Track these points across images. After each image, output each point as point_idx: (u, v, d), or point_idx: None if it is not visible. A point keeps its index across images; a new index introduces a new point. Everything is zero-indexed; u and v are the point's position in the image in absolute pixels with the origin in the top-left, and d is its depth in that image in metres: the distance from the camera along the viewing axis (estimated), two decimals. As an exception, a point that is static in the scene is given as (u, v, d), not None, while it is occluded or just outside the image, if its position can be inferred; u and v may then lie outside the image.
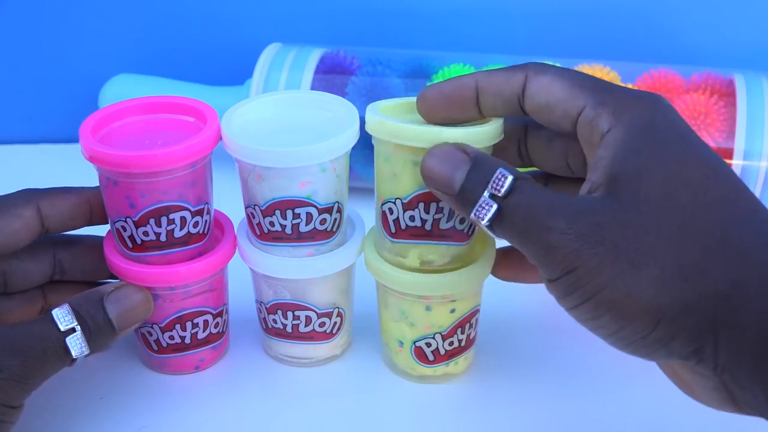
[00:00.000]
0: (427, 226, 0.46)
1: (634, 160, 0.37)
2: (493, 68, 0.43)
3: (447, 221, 0.46)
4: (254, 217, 0.49)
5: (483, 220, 0.39)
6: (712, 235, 0.36)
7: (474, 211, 0.40)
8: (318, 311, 0.51)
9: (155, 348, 0.51)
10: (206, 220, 0.49)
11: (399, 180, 0.45)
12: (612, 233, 0.36)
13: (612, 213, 0.37)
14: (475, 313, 0.51)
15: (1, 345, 0.42)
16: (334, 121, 0.49)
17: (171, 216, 0.47)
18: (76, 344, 0.43)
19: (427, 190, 0.44)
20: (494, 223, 0.39)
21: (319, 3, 0.78)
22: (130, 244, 0.47)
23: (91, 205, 0.49)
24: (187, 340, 0.51)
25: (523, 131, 0.47)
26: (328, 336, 0.52)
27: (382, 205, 0.47)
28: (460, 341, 0.50)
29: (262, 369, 0.53)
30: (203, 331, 0.51)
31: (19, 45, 0.79)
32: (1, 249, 0.46)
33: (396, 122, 0.44)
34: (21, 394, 0.42)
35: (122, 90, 0.75)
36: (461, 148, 0.42)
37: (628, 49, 0.77)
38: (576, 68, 0.68)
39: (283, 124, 0.49)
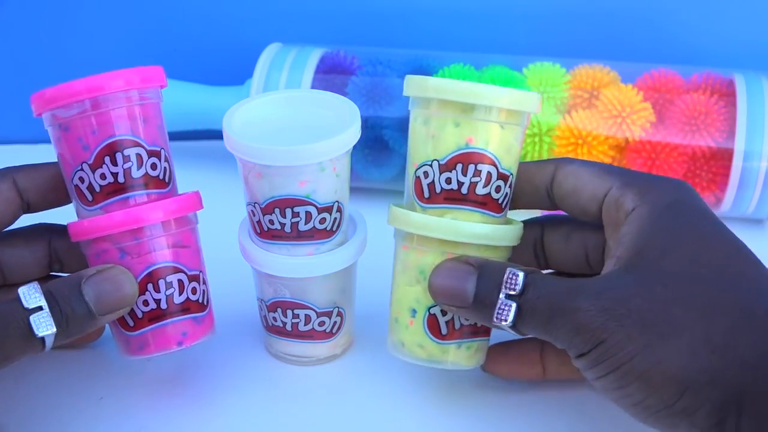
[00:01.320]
0: (464, 189, 0.45)
1: (658, 235, 0.39)
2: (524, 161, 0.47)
3: (484, 186, 0.46)
4: (255, 215, 0.49)
5: (506, 321, 0.41)
6: (738, 308, 0.37)
7: (495, 316, 0.41)
8: (317, 310, 0.51)
9: (131, 323, 0.47)
10: (164, 167, 0.48)
11: (438, 141, 0.45)
12: (638, 305, 0.37)
13: (637, 287, 0.38)
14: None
15: None
16: (335, 120, 0.49)
17: (126, 152, 0.46)
18: (42, 323, 0.41)
19: (466, 150, 0.45)
20: (518, 322, 0.41)
21: (319, 3, 0.78)
22: (89, 196, 0.46)
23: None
24: (163, 305, 0.47)
25: (540, 231, 0.49)
26: (328, 335, 0.52)
27: (416, 170, 0.46)
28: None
29: (262, 367, 0.53)
30: (179, 294, 0.48)
31: (19, 45, 0.79)
32: None
33: (440, 79, 0.45)
34: None
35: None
36: (464, 260, 0.44)
37: (628, 49, 0.77)
38: (576, 68, 0.69)
39: (285, 123, 0.49)
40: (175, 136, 0.77)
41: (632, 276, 0.39)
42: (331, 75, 0.70)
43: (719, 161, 0.64)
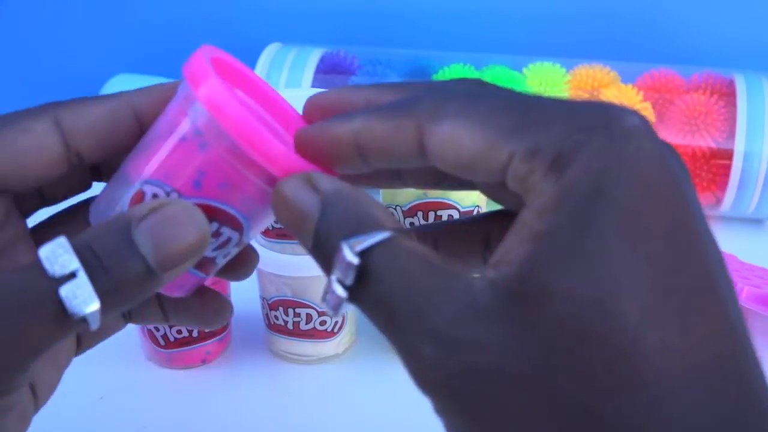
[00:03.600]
0: None
1: (548, 266, 0.24)
2: (381, 103, 0.30)
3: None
4: None
5: (344, 283, 0.26)
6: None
7: (332, 270, 0.27)
8: (318, 309, 0.51)
9: (162, 343, 0.51)
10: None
11: (398, 190, 0.46)
12: (490, 387, 0.24)
13: (499, 352, 0.24)
14: None
15: None
16: None
17: None
18: (79, 296, 0.27)
19: (425, 200, 0.45)
20: (357, 294, 0.26)
21: (319, 3, 0.78)
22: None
23: (138, 113, 0.32)
24: (195, 333, 0.51)
25: (485, 234, 0.33)
26: (329, 334, 0.52)
27: None
28: None
29: (264, 366, 0.53)
30: None
31: (20, 45, 0.79)
32: (5, 181, 0.31)
33: None
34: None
35: (122, 90, 0.75)
36: (310, 179, 0.29)
37: (628, 49, 0.77)
38: (576, 68, 0.69)
39: None
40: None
41: (504, 327, 0.24)
42: (331, 75, 0.70)
43: (719, 161, 0.64)
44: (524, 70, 0.68)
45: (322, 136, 0.30)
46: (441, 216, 0.47)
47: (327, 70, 0.70)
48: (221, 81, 0.28)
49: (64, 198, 0.35)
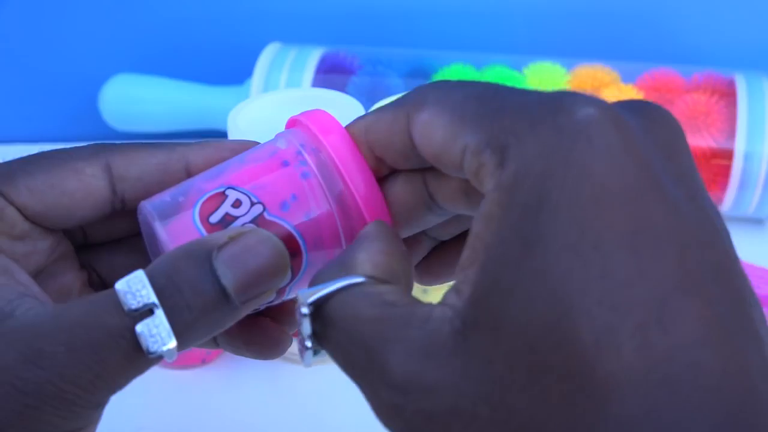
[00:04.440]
0: None
1: (497, 284, 0.22)
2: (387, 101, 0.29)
3: None
4: None
5: (305, 334, 0.26)
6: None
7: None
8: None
9: None
10: None
11: None
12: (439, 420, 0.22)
13: (453, 394, 0.22)
14: None
15: (50, 332, 0.26)
16: (340, 118, 0.49)
17: None
18: (154, 334, 0.26)
19: None
20: (321, 341, 0.26)
21: (319, 3, 0.78)
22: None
23: (189, 168, 0.32)
24: None
25: (422, 184, 0.30)
26: (328, 335, 0.52)
27: None
28: None
29: (264, 366, 0.53)
30: None
31: (19, 45, 0.79)
32: (51, 220, 0.31)
33: None
34: (74, 408, 0.26)
35: (122, 90, 0.75)
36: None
37: (628, 49, 0.77)
38: (576, 68, 0.68)
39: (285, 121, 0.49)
40: (174, 136, 0.78)
41: (462, 344, 0.22)
42: (331, 75, 0.70)
43: (720, 161, 0.64)
44: (524, 70, 0.68)
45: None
46: None
47: (327, 70, 0.70)
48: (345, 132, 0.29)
49: (106, 240, 0.34)
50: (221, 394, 0.51)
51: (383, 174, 0.30)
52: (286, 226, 0.29)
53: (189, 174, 0.32)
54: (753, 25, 0.76)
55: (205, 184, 0.30)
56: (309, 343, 0.25)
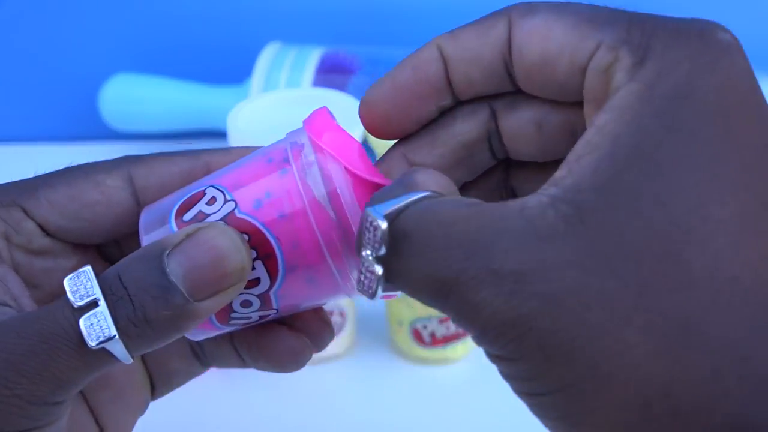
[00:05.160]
0: None
1: (631, 168, 0.22)
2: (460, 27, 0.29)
3: None
4: None
5: (371, 293, 0.25)
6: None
7: (363, 245, 0.25)
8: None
9: None
10: None
11: None
12: (572, 314, 0.22)
13: (576, 272, 0.22)
14: None
15: (11, 330, 0.27)
16: (342, 119, 0.49)
17: None
18: (96, 326, 0.26)
19: None
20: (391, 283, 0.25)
21: (319, 3, 0.78)
22: None
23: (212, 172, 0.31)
24: None
25: (490, 118, 0.29)
26: (328, 335, 0.52)
27: None
28: (457, 327, 0.51)
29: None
30: None
31: (19, 44, 0.79)
32: (74, 233, 0.31)
33: None
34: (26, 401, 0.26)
35: (122, 90, 0.75)
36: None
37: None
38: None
39: (289, 122, 0.49)
40: (174, 136, 0.78)
41: (578, 227, 0.22)
42: (331, 75, 0.70)
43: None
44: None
45: (401, 68, 0.31)
46: None
47: (327, 70, 0.70)
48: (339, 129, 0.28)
49: None
50: (221, 395, 0.51)
51: (447, 105, 0.29)
52: (255, 223, 0.28)
53: None
54: (753, 25, 0.76)
55: (196, 184, 0.29)
56: (380, 269, 0.24)
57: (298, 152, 0.28)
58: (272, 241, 0.28)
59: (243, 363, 0.33)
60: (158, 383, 0.34)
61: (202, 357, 0.34)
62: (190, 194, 0.29)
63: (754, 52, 0.82)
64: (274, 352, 0.32)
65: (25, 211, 0.30)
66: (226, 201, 0.28)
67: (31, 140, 0.81)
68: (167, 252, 0.27)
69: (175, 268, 0.26)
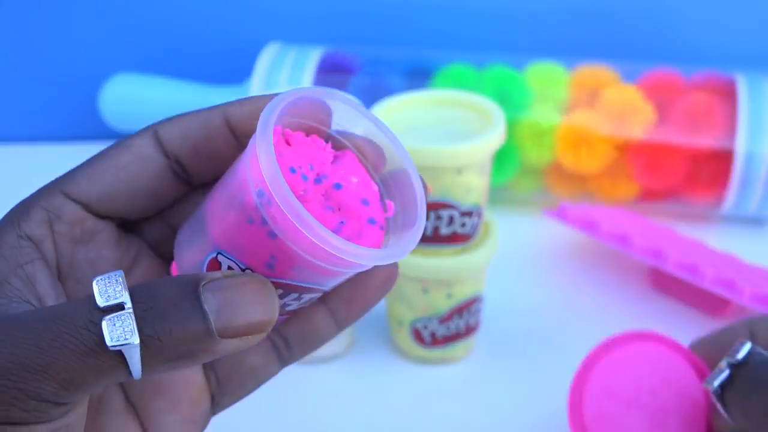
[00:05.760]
0: (429, 232, 0.48)
1: None
2: None
3: (447, 226, 0.48)
4: None
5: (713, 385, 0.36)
6: None
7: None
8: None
9: None
10: None
11: None
12: None
13: None
14: (474, 301, 0.51)
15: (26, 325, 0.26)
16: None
17: None
18: (116, 327, 0.26)
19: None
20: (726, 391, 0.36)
21: (319, 3, 0.78)
22: None
23: (231, 123, 0.32)
24: None
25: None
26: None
27: None
28: (457, 327, 0.51)
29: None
30: None
31: (19, 44, 0.79)
32: (117, 201, 0.32)
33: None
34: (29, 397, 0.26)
35: (122, 90, 0.75)
36: None
37: (628, 49, 0.76)
38: (577, 68, 0.68)
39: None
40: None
41: None
42: (332, 75, 0.70)
43: (720, 161, 0.64)
44: (524, 69, 0.68)
45: None
46: (441, 216, 0.47)
47: (327, 70, 0.70)
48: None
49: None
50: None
51: None
52: (281, 281, 0.29)
53: (230, 127, 0.32)
54: (753, 25, 0.76)
55: (204, 238, 0.30)
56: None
57: (268, 206, 0.27)
58: (297, 284, 0.29)
59: (335, 330, 0.34)
60: (225, 389, 0.34)
61: (284, 350, 0.34)
62: (207, 260, 0.30)
63: (755, 52, 0.83)
64: (366, 292, 0.34)
65: (65, 195, 0.31)
66: (243, 271, 0.29)
67: (31, 140, 0.81)
68: (204, 283, 0.27)
69: (210, 299, 0.27)
